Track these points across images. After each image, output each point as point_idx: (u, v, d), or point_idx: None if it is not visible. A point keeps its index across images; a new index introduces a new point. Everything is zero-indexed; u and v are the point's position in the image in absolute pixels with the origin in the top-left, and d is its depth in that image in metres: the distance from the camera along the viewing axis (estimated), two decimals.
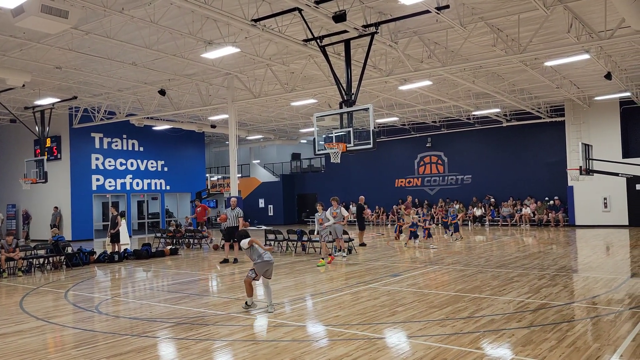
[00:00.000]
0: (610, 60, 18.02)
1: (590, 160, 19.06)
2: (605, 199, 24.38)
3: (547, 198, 26.46)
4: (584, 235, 20.12)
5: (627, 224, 23.67)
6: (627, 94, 22.05)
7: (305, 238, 17.12)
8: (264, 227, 23.58)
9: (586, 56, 15.79)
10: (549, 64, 17.22)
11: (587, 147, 19.09)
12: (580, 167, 18.46)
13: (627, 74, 20.39)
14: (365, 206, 21.14)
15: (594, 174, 19.18)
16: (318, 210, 15.07)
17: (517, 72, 19.47)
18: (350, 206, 32.38)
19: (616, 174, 18.86)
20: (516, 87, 22.13)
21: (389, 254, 16.07)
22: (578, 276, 11.00)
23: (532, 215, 26.04)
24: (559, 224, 25.29)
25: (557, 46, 14.86)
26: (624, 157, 23.70)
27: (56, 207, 25.82)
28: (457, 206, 27.72)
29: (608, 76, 17.70)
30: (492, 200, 28.14)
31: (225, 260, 15.09)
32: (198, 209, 22.49)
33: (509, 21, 13.92)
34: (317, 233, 14.93)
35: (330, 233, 14.91)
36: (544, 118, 26.25)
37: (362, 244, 18.62)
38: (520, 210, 26.56)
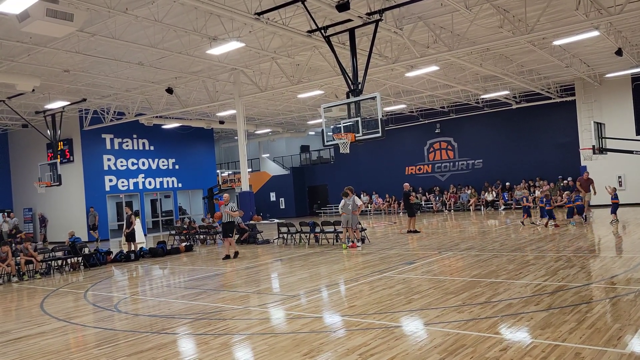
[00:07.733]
0: (620, 36, 17.73)
1: (603, 139, 18.81)
2: (620, 177, 24.08)
3: (560, 177, 26.16)
4: (600, 215, 19.90)
5: None
6: (639, 69, 21.70)
7: (317, 230, 17.15)
8: (276, 221, 23.60)
9: (596, 33, 15.54)
10: (557, 43, 16.99)
11: (599, 126, 18.83)
12: (594, 146, 18.24)
13: (638, 50, 20.06)
14: (412, 193, 19.89)
15: (608, 153, 18.94)
16: (348, 194, 15.22)
17: (525, 53, 19.24)
18: (362, 196, 32.46)
19: (630, 152, 18.60)
20: (525, 68, 21.88)
21: (402, 242, 16.04)
22: (595, 256, 10.91)
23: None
24: None
25: (565, 24, 14.65)
26: (637, 134, 23.39)
27: (92, 208, 26.02)
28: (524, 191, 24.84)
29: (619, 52, 17.43)
30: (499, 184, 27.92)
31: (227, 257, 14.92)
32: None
33: (515, 1, 13.74)
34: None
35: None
36: (554, 98, 25.96)
37: (415, 231, 18.06)
38: (533, 192, 26.29)
